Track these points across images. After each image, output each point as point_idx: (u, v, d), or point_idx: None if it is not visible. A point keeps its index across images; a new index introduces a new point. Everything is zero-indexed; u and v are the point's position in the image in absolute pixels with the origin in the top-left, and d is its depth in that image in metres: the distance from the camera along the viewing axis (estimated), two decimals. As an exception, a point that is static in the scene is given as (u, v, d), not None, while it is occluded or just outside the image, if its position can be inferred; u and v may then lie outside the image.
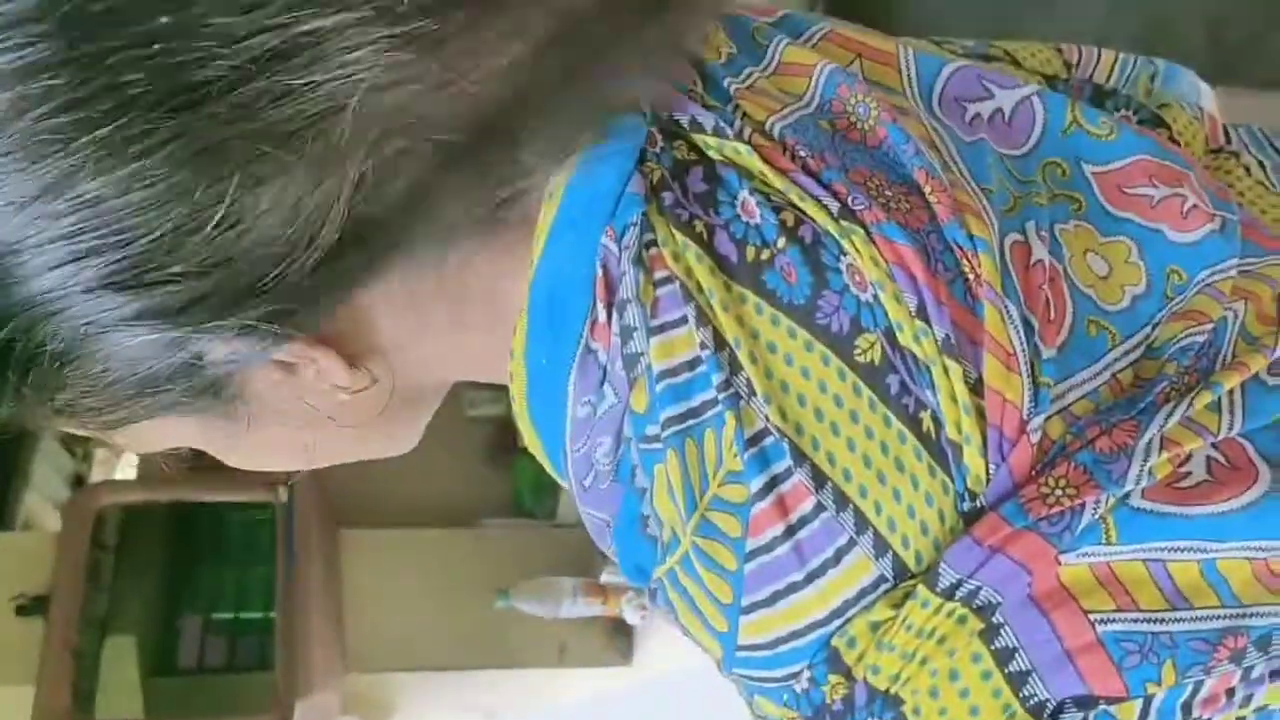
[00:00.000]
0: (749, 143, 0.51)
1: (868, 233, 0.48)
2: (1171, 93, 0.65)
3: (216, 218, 0.42)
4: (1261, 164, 0.62)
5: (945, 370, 0.47)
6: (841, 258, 0.48)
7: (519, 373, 0.52)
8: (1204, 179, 0.55)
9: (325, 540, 1.96)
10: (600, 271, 0.49)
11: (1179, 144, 0.60)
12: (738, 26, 0.57)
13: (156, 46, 0.40)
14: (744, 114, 0.52)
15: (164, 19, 0.40)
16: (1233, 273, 0.52)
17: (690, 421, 0.48)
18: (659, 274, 0.48)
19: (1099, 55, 0.66)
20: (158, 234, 0.42)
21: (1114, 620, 0.46)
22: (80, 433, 0.52)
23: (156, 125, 0.40)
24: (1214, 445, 0.48)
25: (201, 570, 2.17)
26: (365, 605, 1.95)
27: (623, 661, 1.93)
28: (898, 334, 0.47)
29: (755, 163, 0.50)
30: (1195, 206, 0.52)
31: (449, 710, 1.97)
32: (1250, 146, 0.63)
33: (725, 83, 0.54)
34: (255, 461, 0.57)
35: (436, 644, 1.91)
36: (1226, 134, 0.63)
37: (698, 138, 0.51)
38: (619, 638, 1.95)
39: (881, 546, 0.46)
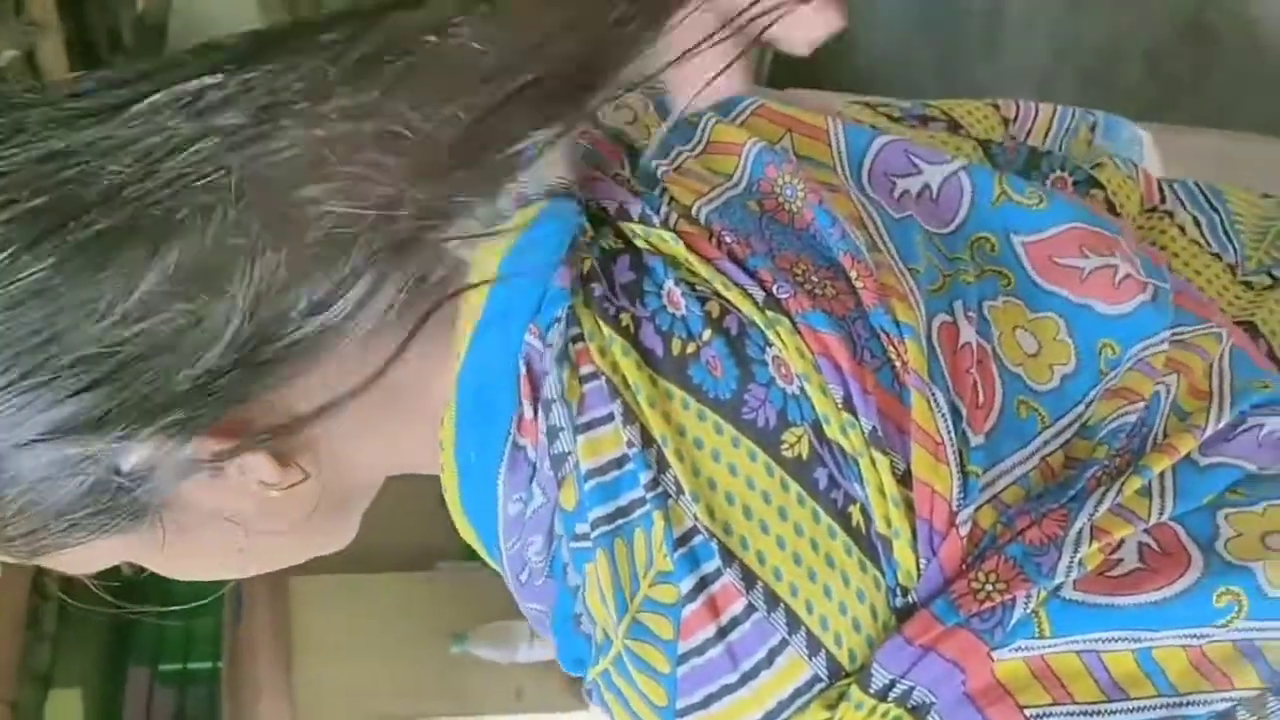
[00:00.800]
0: (674, 230, 0.50)
1: (793, 323, 0.48)
2: (1111, 146, 0.66)
3: (121, 330, 0.43)
4: (1197, 221, 0.62)
5: (873, 463, 0.46)
6: (767, 349, 0.48)
7: (449, 466, 0.51)
8: (1136, 245, 0.55)
9: (273, 586, 1.92)
10: (524, 369, 0.48)
11: (1114, 206, 0.60)
12: (667, 104, 0.56)
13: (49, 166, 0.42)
14: (671, 198, 0.52)
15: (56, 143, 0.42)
16: (1165, 345, 0.52)
17: (619, 521, 0.47)
18: (585, 369, 0.48)
19: (1036, 111, 0.66)
20: (56, 349, 0.43)
21: (1050, 714, 0.46)
22: (8, 560, 0.51)
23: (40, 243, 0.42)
24: (1145, 531, 0.48)
25: (148, 619, 2.13)
26: (316, 654, 1.91)
27: (580, 706, 1.91)
28: (825, 426, 0.47)
29: (680, 251, 0.50)
30: (1128, 276, 0.52)
31: (403, 762, 1.93)
32: (1186, 203, 0.63)
33: (653, 165, 0.54)
34: (190, 571, 0.55)
35: (390, 692, 1.88)
36: (1161, 192, 0.63)
37: (625, 225, 0.51)
38: (576, 681, 1.92)
39: (814, 645, 0.46)
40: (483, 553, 0.54)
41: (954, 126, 0.64)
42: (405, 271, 0.46)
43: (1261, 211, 0.65)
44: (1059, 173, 0.61)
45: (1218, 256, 0.61)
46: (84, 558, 0.51)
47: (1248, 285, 0.61)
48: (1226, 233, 0.62)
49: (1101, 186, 0.60)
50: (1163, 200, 0.63)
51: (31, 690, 1.79)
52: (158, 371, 0.43)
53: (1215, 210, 0.63)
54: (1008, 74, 1.78)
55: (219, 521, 0.50)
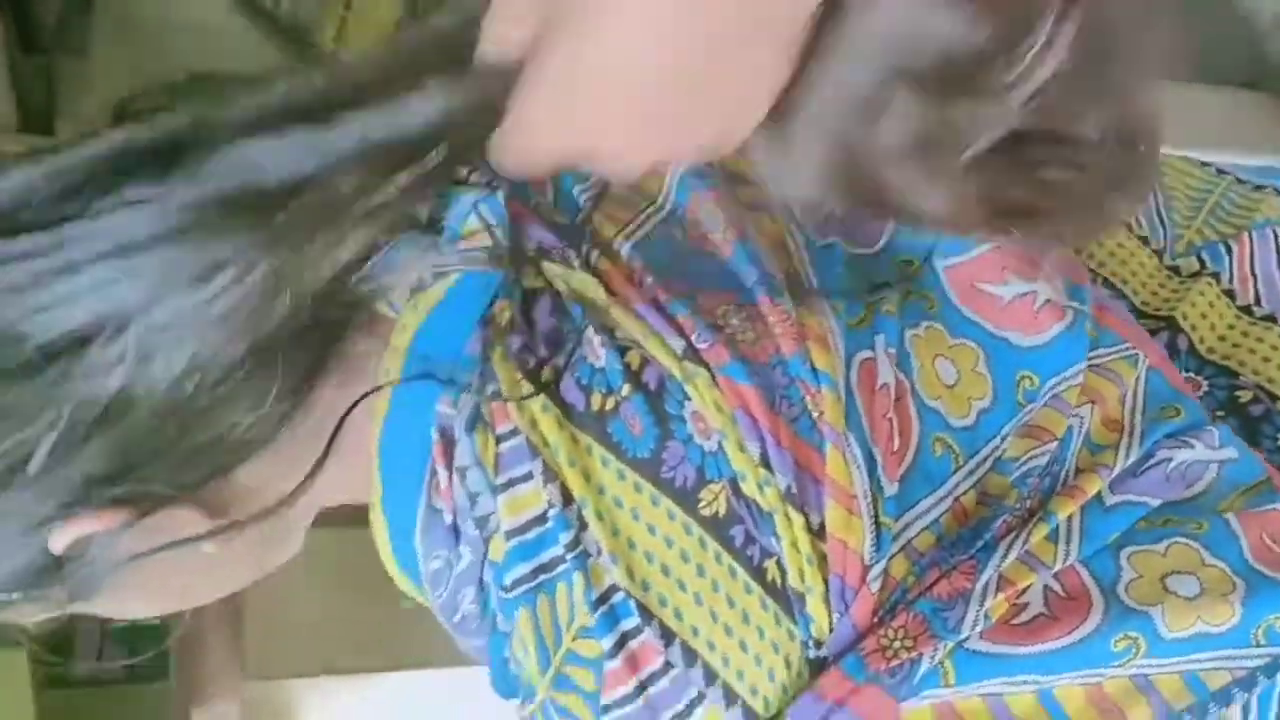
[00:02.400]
0: (594, 269, 0.50)
1: (711, 375, 0.48)
2: None
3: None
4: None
5: (788, 518, 0.47)
6: (685, 403, 0.48)
7: (377, 519, 0.52)
8: (1060, 261, 0.55)
9: (222, 543, 1.91)
10: (437, 437, 0.48)
11: None
12: None
13: None
14: (593, 230, 0.51)
15: None
16: (1079, 379, 0.52)
17: (541, 578, 0.47)
18: (501, 428, 0.48)
19: None
20: None
21: None
22: None
23: None
24: (1052, 575, 0.49)
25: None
26: (264, 608, 1.91)
27: (531, 656, 1.92)
28: (741, 483, 0.47)
29: (600, 295, 0.49)
30: (1048, 302, 0.52)
31: (356, 716, 1.94)
32: None
33: (575, 191, 0.53)
34: (139, 613, 0.56)
35: (340, 647, 1.88)
36: None
37: (545, 265, 0.50)
38: (528, 633, 1.93)
39: (731, 697, 0.46)
40: (415, 595, 0.54)
41: None
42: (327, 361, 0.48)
43: (1197, 181, 0.64)
44: None
45: (1145, 241, 0.61)
46: (28, 614, 0.52)
47: (1175, 270, 0.60)
48: (1159, 213, 0.62)
49: None
50: None
51: (-24, 652, 1.78)
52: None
53: None
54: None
55: (157, 574, 0.51)
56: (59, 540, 0.46)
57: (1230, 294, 0.59)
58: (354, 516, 1.86)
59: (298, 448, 0.50)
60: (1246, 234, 0.60)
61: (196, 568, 0.51)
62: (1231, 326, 0.58)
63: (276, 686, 1.86)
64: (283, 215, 0.42)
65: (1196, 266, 0.60)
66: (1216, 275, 0.59)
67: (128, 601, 0.53)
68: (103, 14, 1.79)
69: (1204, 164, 0.66)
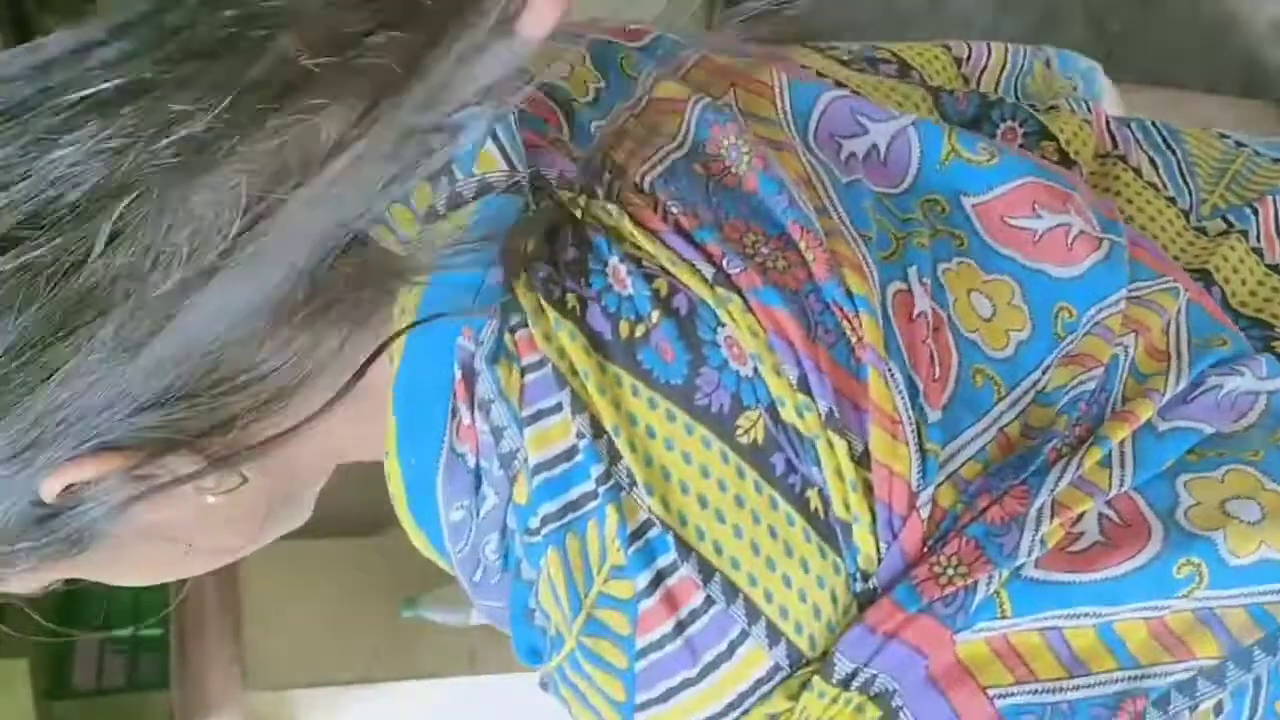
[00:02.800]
0: (618, 201, 0.48)
1: (744, 300, 0.46)
2: (1072, 78, 0.65)
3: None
4: (1153, 162, 0.62)
5: (830, 445, 0.45)
6: (719, 329, 0.46)
7: (394, 472, 0.50)
8: (1090, 197, 0.54)
9: (222, 553, 1.90)
10: (459, 373, 0.47)
11: (1068, 155, 0.59)
12: (605, 56, 0.55)
13: None
14: (613, 163, 0.50)
15: None
16: (1121, 305, 0.51)
17: (569, 516, 0.46)
18: (527, 358, 0.46)
19: (989, 52, 0.64)
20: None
21: (1012, 694, 0.45)
22: None
23: None
24: (1106, 502, 0.48)
25: (96, 585, 2.11)
26: (265, 619, 1.90)
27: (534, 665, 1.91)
28: (780, 409, 0.46)
29: (625, 224, 0.48)
30: (1081, 234, 0.51)
31: (356, 725, 1.93)
32: (1143, 142, 0.62)
33: (592, 127, 0.52)
34: (142, 577, 0.54)
35: (341, 657, 1.87)
36: (1113, 136, 0.62)
37: (565, 195, 0.49)
38: (529, 645, 1.92)
39: (775, 635, 0.45)
40: (433, 555, 0.52)
41: (904, 68, 0.63)
42: (348, 302, 0.45)
43: (1218, 152, 0.64)
44: (1010, 123, 0.60)
45: (1172, 201, 0.61)
46: (28, 581, 0.50)
47: (1202, 231, 0.60)
48: (1183, 174, 0.62)
49: (1053, 137, 0.59)
50: (1115, 145, 0.62)
51: (-25, 664, 1.77)
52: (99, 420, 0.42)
53: (1171, 150, 0.63)
54: (948, 30, 1.77)
55: (160, 530, 0.49)
56: (53, 485, 0.44)
57: (1258, 251, 0.59)
58: (355, 526, 1.85)
59: (303, 400, 0.48)
60: (1270, 197, 0.60)
61: (197, 524, 0.49)
62: (1261, 282, 0.58)
63: (277, 697, 1.85)
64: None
65: (1223, 226, 0.60)
66: (1244, 233, 0.59)
67: (125, 562, 0.51)
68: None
69: (1223, 135, 0.66)
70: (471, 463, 0.48)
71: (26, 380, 0.41)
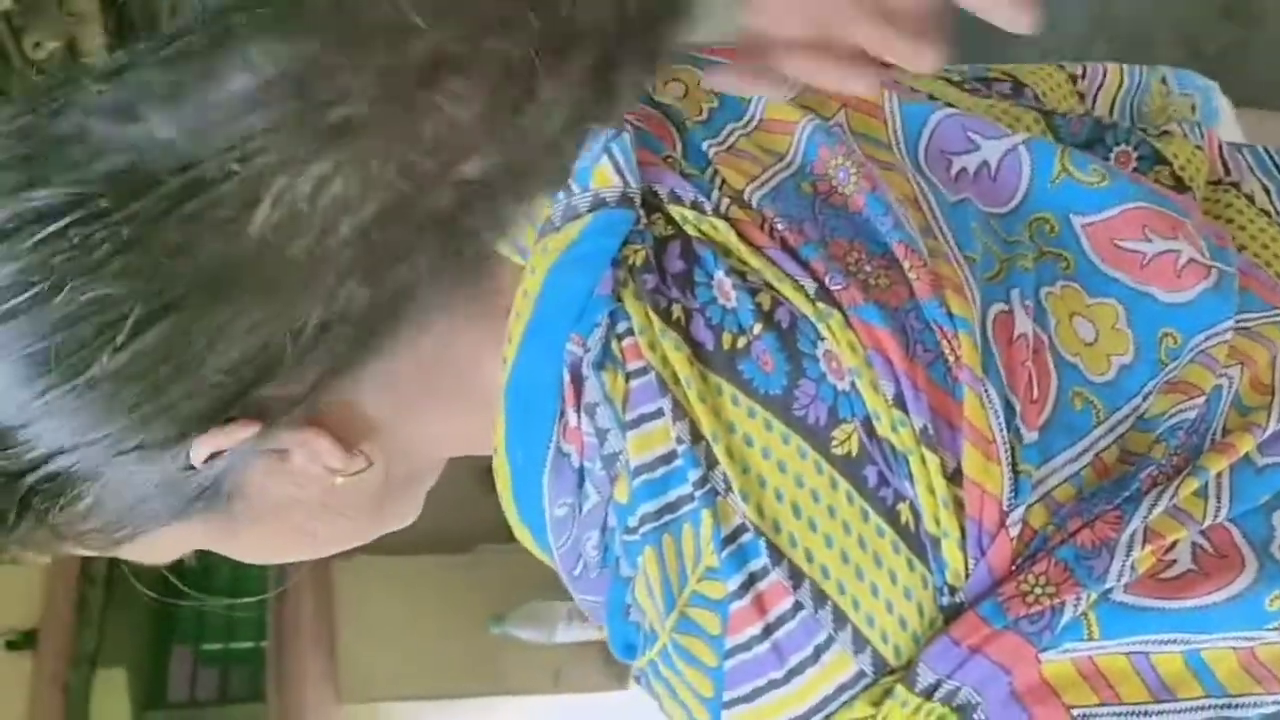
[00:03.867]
0: (726, 217, 0.50)
1: (845, 316, 0.47)
2: (1190, 95, 0.64)
3: (203, 349, 0.42)
4: (1266, 190, 0.61)
5: (923, 461, 0.46)
6: (819, 343, 0.47)
7: (501, 468, 0.51)
8: (1202, 224, 0.54)
9: (317, 568, 1.94)
10: (568, 377, 0.48)
11: (1182, 180, 0.58)
12: None
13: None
14: (722, 181, 0.51)
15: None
16: (1228, 335, 0.51)
17: (667, 517, 0.47)
18: (632, 365, 0.47)
19: (1105, 70, 0.64)
20: (151, 380, 0.42)
21: (1097, 715, 0.45)
22: (87, 553, 0.51)
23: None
24: (1200, 532, 0.47)
25: (191, 601, 2.16)
26: (358, 634, 1.94)
27: (618, 686, 1.92)
28: (875, 423, 0.46)
29: (732, 239, 0.49)
30: (1191, 261, 0.51)
31: (443, 740, 1.95)
32: (1255, 169, 0.62)
33: (704, 145, 0.53)
34: (263, 555, 0.56)
35: (430, 672, 1.90)
36: (1225, 162, 0.62)
37: (675, 211, 0.50)
38: (613, 662, 1.93)
39: (860, 642, 0.46)
40: (534, 548, 0.54)
41: (1018, 87, 0.63)
42: (461, 265, 0.44)
43: None
44: (1124, 147, 0.59)
45: None
46: (157, 547, 0.51)
47: None
48: None
49: (1167, 162, 0.59)
50: (1228, 172, 0.61)
51: (80, 671, 1.82)
52: (228, 376, 0.43)
53: None
54: (1038, 56, 1.76)
55: (288, 508, 0.50)
56: (199, 451, 0.45)
57: None
58: (444, 545, 1.87)
59: (419, 387, 0.50)
60: None
61: (321, 506, 0.51)
62: None
63: (369, 710, 1.88)
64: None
65: None
66: None
67: (247, 538, 0.52)
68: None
69: None
70: (576, 462, 0.49)
71: (199, 342, 0.42)
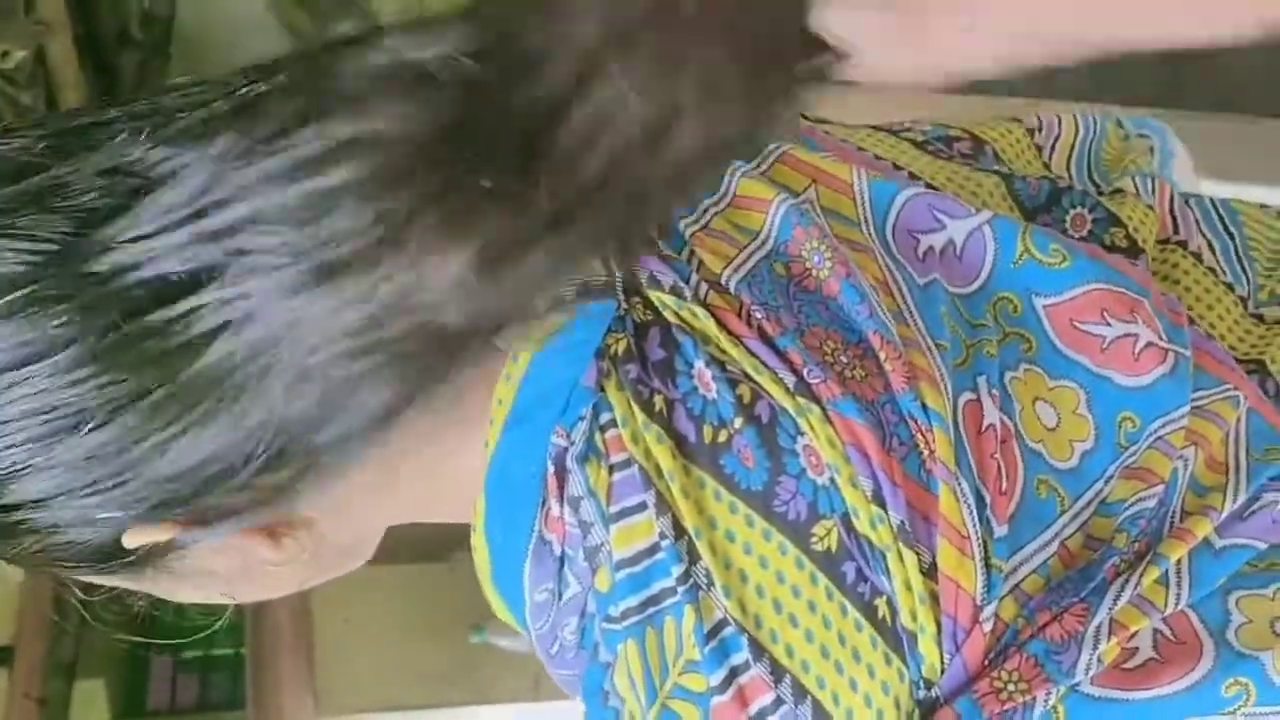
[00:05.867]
0: (705, 303, 0.50)
1: (824, 410, 0.48)
2: (1148, 138, 0.65)
3: (164, 450, 0.43)
4: (1211, 246, 0.62)
5: (900, 557, 0.47)
6: (798, 438, 0.48)
7: (480, 547, 0.52)
8: (1159, 300, 0.55)
9: (294, 578, 1.93)
10: (551, 468, 0.49)
11: (1136, 242, 0.59)
12: None
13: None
14: (700, 263, 0.52)
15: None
16: (1184, 421, 0.52)
17: (650, 610, 0.48)
18: (615, 458, 0.48)
19: (1060, 121, 0.65)
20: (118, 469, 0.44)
21: None
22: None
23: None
24: (1162, 619, 0.49)
25: (169, 608, 2.15)
26: (336, 642, 1.93)
27: (597, 692, 1.92)
28: (854, 519, 0.47)
29: (711, 328, 0.50)
30: (1149, 345, 0.52)
31: (422, 749, 1.95)
32: (1201, 224, 0.63)
33: (681, 225, 0.53)
34: (181, 598, 0.56)
35: (410, 682, 1.90)
36: (1175, 219, 0.62)
37: (655, 296, 0.51)
38: (593, 668, 1.93)
39: None
40: (510, 621, 0.54)
41: (978, 145, 0.64)
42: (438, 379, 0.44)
43: (1276, 235, 0.64)
44: (1079, 209, 0.60)
45: (1230, 287, 0.61)
46: (104, 584, 0.53)
47: (1259, 318, 0.61)
48: (1240, 259, 0.62)
49: (1122, 224, 0.60)
50: (1176, 229, 0.62)
51: (57, 683, 1.81)
52: (170, 483, 0.44)
53: (1230, 235, 0.63)
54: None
55: (212, 575, 0.52)
56: (132, 539, 0.47)
57: None
58: (424, 553, 1.87)
59: (377, 478, 0.50)
60: None
61: (246, 575, 0.52)
62: None
63: (348, 720, 1.88)
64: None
65: None
66: None
67: (181, 591, 0.54)
68: (180, 63, 1.84)
69: None
70: (557, 551, 0.50)
71: (155, 444, 0.43)
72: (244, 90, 0.42)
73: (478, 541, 0.52)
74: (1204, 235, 0.63)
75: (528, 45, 0.40)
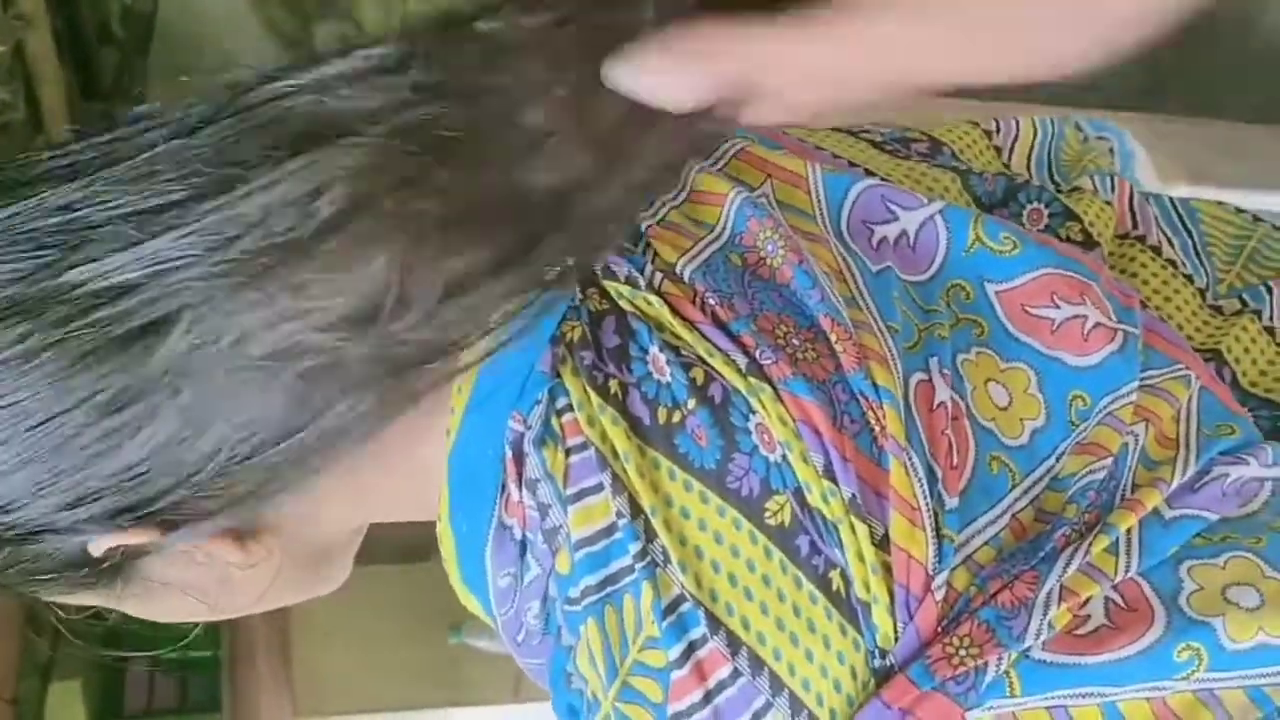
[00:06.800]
0: (659, 292, 0.51)
1: (775, 390, 0.49)
2: (1107, 140, 0.67)
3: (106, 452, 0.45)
4: (1170, 242, 0.63)
5: (852, 529, 0.47)
6: (750, 416, 0.49)
7: (446, 536, 0.52)
8: (1110, 283, 0.56)
9: (273, 579, 1.93)
10: (509, 453, 0.49)
11: (1091, 236, 0.60)
12: None
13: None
14: (655, 254, 0.53)
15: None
16: (1133, 397, 0.53)
17: (609, 589, 0.48)
18: (572, 440, 0.49)
19: (1017, 124, 0.65)
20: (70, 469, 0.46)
21: None
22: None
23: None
24: (1113, 587, 0.49)
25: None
26: (314, 643, 1.93)
27: (576, 694, 1.92)
28: (806, 494, 0.48)
29: (665, 314, 0.51)
30: (1098, 325, 0.53)
31: (402, 751, 1.94)
32: (1161, 220, 0.64)
33: (638, 219, 0.54)
34: (156, 617, 0.57)
35: (388, 683, 1.90)
36: (1134, 214, 0.64)
37: (610, 286, 0.52)
38: (572, 670, 1.93)
39: (797, 706, 0.47)
40: (479, 613, 0.55)
41: (935, 146, 0.65)
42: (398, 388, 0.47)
43: (1234, 230, 0.66)
44: (1035, 204, 0.61)
45: (1189, 279, 0.62)
46: (75, 600, 0.54)
47: (1218, 310, 0.62)
48: (1198, 254, 0.63)
49: (1078, 218, 0.61)
50: (1135, 225, 0.63)
51: (32, 684, 1.80)
52: (129, 483, 0.46)
53: (1188, 232, 0.64)
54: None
55: (184, 587, 0.53)
56: (98, 545, 0.48)
57: (1270, 331, 0.61)
58: (402, 554, 1.86)
59: (341, 475, 0.50)
60: None
61: (219, 586, 0.53)
62: (1272, 362, 0.60)
63: (325, 722, 1.87)
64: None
65: (1238, 306, 0.61)
66: (1258, 313, 0.61)
67: (154, 607, 0.55)
68: (159, 61, 1.83)
69: (1239, 210, 0.67)
70: (518, 535, 0.50)
71: (104, 442, 0.45)
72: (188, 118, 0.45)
73: (442, 530, 0.52)
74: (1163, 231, 0.64)
75: (481, 82, 0.43)
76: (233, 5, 1.82)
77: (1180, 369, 0.55)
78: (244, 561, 0.50)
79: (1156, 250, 0.62)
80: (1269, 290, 0.61)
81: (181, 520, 0.47)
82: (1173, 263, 0.62)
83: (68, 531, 0.47)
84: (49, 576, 0.50)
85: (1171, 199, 0.66)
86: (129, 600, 0.54)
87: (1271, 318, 0.60)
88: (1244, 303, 0.61)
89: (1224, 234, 0.65)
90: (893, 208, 0.56)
